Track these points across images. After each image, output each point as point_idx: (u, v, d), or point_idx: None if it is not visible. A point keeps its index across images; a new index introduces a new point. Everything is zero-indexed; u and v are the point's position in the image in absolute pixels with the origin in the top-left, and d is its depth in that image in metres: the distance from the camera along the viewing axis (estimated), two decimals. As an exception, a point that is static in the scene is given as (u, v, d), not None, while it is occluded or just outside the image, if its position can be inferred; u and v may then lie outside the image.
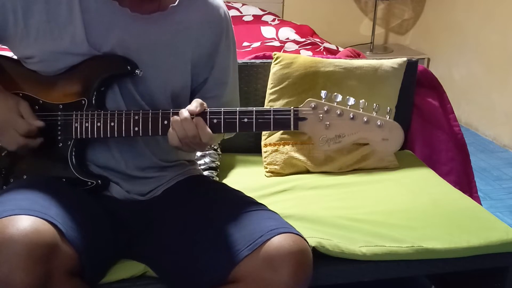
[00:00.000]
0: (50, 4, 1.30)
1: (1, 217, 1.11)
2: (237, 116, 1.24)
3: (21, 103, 1.31)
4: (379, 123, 1.21)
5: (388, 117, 1.22)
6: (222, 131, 1.25)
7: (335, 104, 1.22)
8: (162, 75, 1.36)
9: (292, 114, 1.23)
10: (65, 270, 1.14)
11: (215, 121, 1.24)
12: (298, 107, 1.23)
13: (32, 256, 1.07)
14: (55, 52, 1.30)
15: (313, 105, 1.22)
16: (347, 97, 1.21)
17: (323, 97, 1.22)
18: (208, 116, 1.24)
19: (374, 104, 1.21)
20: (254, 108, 1.25)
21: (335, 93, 1.22)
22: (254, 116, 1.24)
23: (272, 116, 1.24)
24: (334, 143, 1.22)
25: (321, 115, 1.22)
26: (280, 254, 1.18)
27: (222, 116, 1.24)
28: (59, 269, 1.12)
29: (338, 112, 1.21)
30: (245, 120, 1.24)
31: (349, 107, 1.22)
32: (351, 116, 1.21)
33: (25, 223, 1.10)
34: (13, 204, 1.16)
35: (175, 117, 1.24)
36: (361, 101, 1.21)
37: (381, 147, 1.22)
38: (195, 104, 1.24)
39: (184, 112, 1.23)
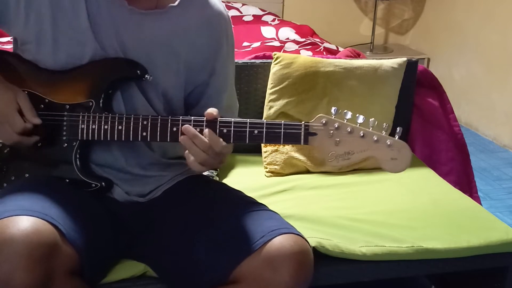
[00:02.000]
0: None
1: (2, 218, 1.12)
2: (247, 128, 1.25)
3: (20, 95, 1.29)
4: (388, 143, 1.21)
5: (397, 137, 1.22)
6: (231, 141, 1.26)
7: (345, 121, 1.22)
8: (154, 73, 1.34)
9: (302, 129, 1.24)
10: (65, 270, 1.14)
11: (224, 131, 1.25)
12: (309, 122, 1.24)
13: (33, 256, 1.07)
14: (56, 38, 1.29)
15: (324, 121, 1.23)
16: (357, 115, 1.22)
17: (333, 113, 1.23)
18: (218, 125, 1.25)
19: (384, 124, 1.22)
20: (264, 120, 1.26)
21: (345, 110, 1.23)
22: (264, 129, 1.25)
23: (282, 130, 1.24)
24: (343, 159, 1.22)
25: (331, 131, 1.22)
26: (281, 255, 1.18)
27: (232, 126, 1.25)
28: (59, 269, 1.12)
29: (349, 130, 1.22)
30: (255, 132, 1.25)
31: (359, 125, 1.22)
32: (361, 134, 1.22)
33: (25, 224, 1.10)
34: (14, 204, 1.17)
35: (185, 138, 1.23)
36: (371, 119, 1.22)
37: (389, 166, 1.23)
38: (208, 135, 1.23)
39: (191, 129, 1.24)
